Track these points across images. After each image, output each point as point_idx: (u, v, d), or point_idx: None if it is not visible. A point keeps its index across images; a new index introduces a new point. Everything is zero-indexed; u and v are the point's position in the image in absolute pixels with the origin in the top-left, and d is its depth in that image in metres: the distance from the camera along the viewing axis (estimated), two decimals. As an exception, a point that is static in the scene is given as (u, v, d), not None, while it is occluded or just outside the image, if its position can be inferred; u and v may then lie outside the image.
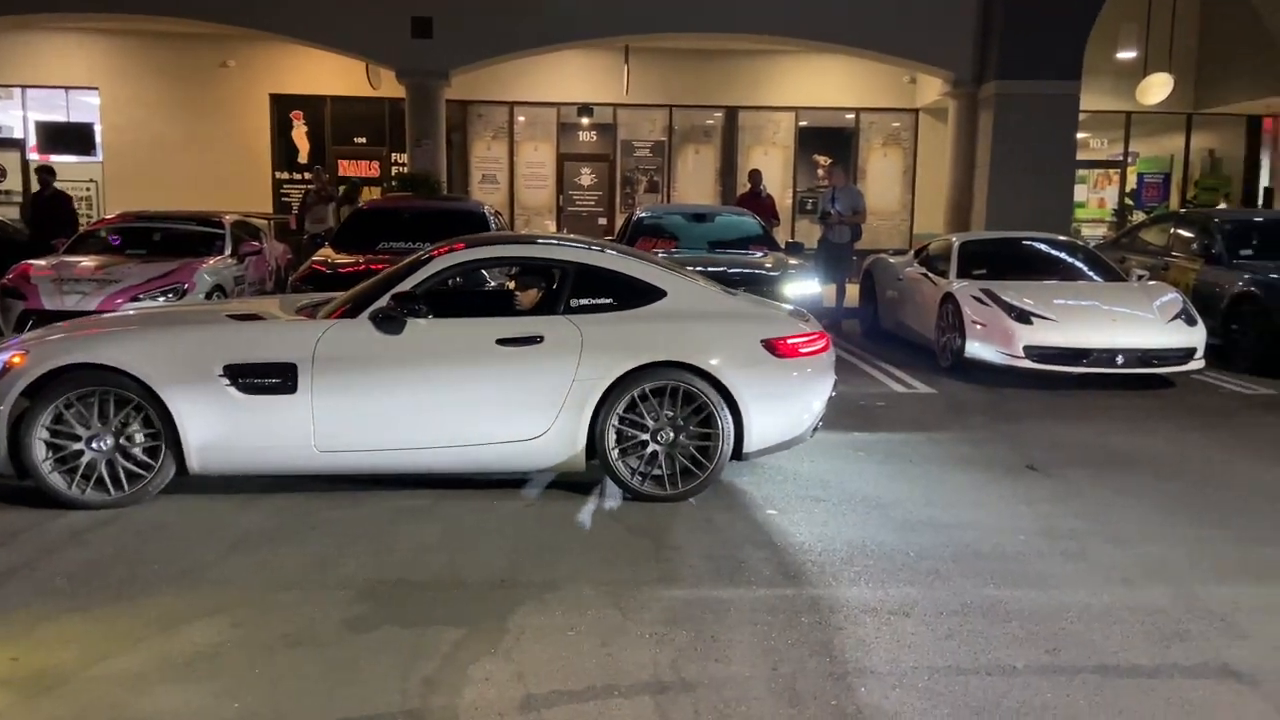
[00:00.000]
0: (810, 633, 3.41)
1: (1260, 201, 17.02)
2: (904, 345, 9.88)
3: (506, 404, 4.68)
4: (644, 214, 10.94)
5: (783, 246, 10.54)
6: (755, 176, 13.69)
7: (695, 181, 18.21)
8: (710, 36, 15.27)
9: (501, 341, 4.73)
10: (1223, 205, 16.76)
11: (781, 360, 4.85)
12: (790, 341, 4.87)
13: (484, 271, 6.84)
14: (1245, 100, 16.45)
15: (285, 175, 17.54)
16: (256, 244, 10.77)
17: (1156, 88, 15.56)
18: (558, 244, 5.51)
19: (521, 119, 18.06)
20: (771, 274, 8.93)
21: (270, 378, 4.55)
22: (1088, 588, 3.83)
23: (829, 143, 18.08)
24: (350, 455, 4.68)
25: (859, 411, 6.97)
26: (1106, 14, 14.17)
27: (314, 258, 8.73)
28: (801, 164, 18.17)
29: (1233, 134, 17.91)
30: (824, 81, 17.51)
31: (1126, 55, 15.93)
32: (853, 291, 11.96)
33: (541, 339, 4.73)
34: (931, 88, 15.92)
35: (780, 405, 4.88)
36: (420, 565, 3.99)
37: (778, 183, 17.66)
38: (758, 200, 12.88)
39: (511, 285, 7.24)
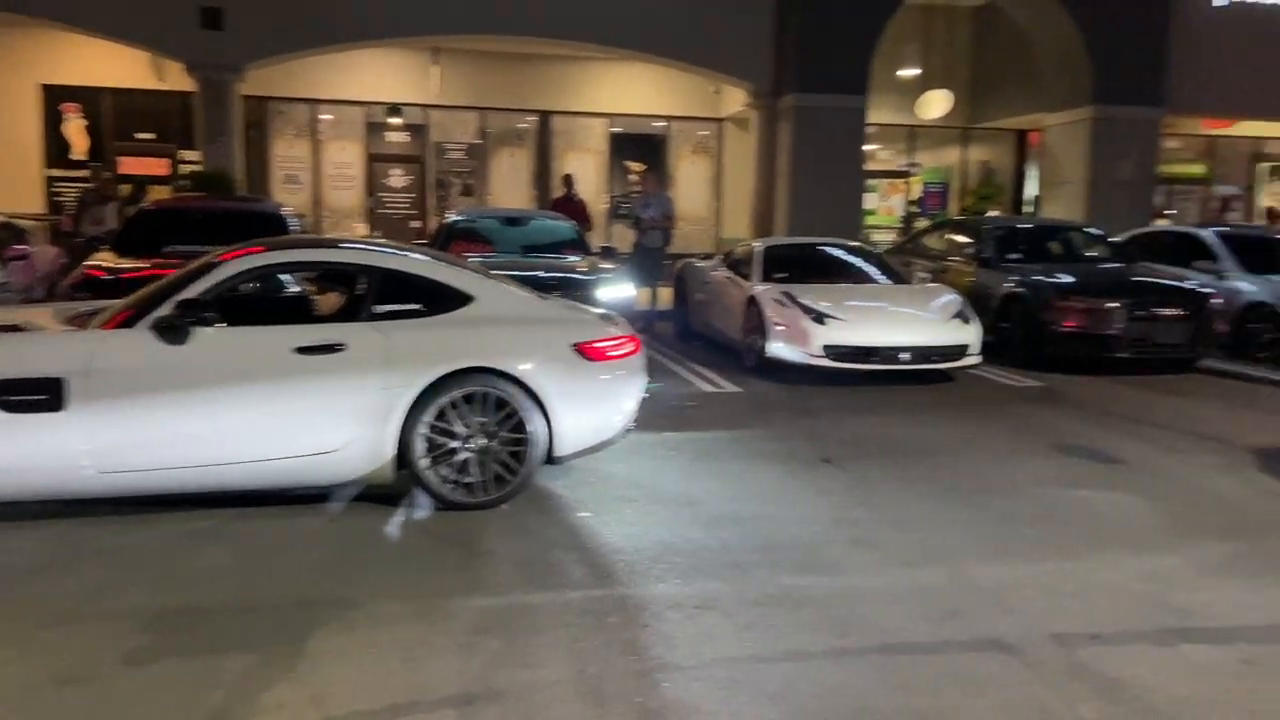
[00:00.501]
0: (618, 632, 3.47)
1: (1028, 209, 18.67)
2: (713, 346, 10.21)
3: (306, 415, 4.50)
4: (458, 218, 10.79)
5: (596, 251, 10.66)
6: (568, 181, 13.77)
7: (510, 185, 18.11)
8: (519, 40, 15.25)
9: (300, 350, 4.54)
10: (994, 213, 18.27)
11: (592, 364, 4.91)
12: (600, 345, 4.94)
13: (283, 277, 6.54)
14: (1014, 116, 18.01)
15: (59, 173, 16.11)
16: (23, 247, 9.85)
17: (936, 103, 16.80)
18: (362, 248, 5.35)
19: (327, 117, 17.38)
20: (585, 278, 9.01)
21: (32, 394, 4.18)
22: (874, 572, 4.09)
23: (641, 149, 18.41)
24: (134, 476, 4.37)
25: (670, 412, 7.15)
26: (890, 34, 15.16)
27: (89, 262, 8.07)
28: (615, 170, 18.42)
29: (1004, 147, 19.56)
30: (635, 89, 17.82)
31: (908, 73, 17.11)
32: (666, 294, 12.24)
33: (343, 347, 4.58)
34: (735, 99, 16.52)
35: (591, 408, 4.94)
36: (210, 590, 3.78)
37: (591, 188, 17.81)
38: (571, 204, 12.97)
39: (313, 291, 6.96)
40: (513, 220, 10.78)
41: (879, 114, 16.56)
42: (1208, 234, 11.30)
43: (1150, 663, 3.28)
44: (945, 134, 19.06)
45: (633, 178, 18.17)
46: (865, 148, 15.91)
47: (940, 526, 4.72)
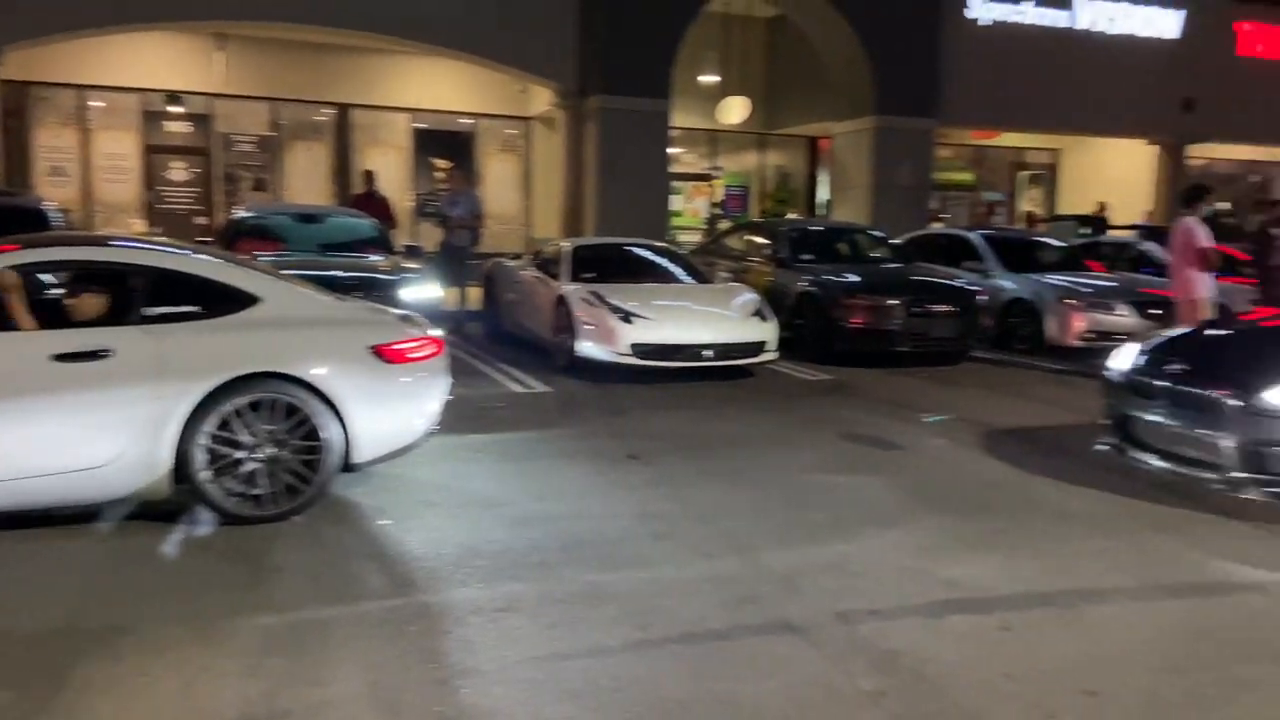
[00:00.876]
0: (417, 641, 3.39)
1: (820, 212, 19.72)
2: (524, 346, 10.16)
3: (68, 428, 4.13)
4: (245, 214, 10.22)
5: (400, 250, 10.38)
6: (370, 177, 13.32)
7: (308, 181, 17.32)
8: (314, 30, 14.61)
9: (60, 357, 4.16)
10: (793, 215, 19.19)
11: (390, 366, 4.76)
12: (399, 347, 4.80)
13: (43, 278, 5.96)
14: (806, 124, 18.98)
15: None
16: None
17: (735, 109, 17.44)
18: (134, 246, 4.97)
19: (98, 105, 16.03)
20: (388, 278, 8.76)
21: None
22: (675, 564, 4.20)
23: (447, 146, 18.08)
24: None
25: (478, 413, 7.05)
26: (690, 40, 15.60)
27: None
28: (420, 167, 18.00)
29: (798, 153, 20.58)
30: (440, 85, 17.48)
31: (709, 79, 17.68)
32: (476, 295, 12.07)
33: (109, 353, 4.23)
34: (542, 98, 16.52)
35: (391, 412, 4.79)
36: (-44, 625, 3.40)
37: (395, 185, 17.31)
38: (373, 202, 12.56)
39: (78, 293, 6.39)
40: (308, 217, 10.32)
41: (682, 118, 17.01)
42: (975, 236, 12.31)
43: (922, 634, 3.53)
44: (745, 139, 19.82)
45: (439, 175, 17.82)
46: (670, 150, 16.31)
47: (739, 516, 4.90)
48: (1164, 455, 5.29)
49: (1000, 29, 17.67)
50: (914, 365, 9.77)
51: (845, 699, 3.07)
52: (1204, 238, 8.87)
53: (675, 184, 19.01)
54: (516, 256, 11.75)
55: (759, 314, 9.09)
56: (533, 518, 4.76)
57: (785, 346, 9.45)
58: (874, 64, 16.15)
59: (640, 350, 8.45)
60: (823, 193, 19.95)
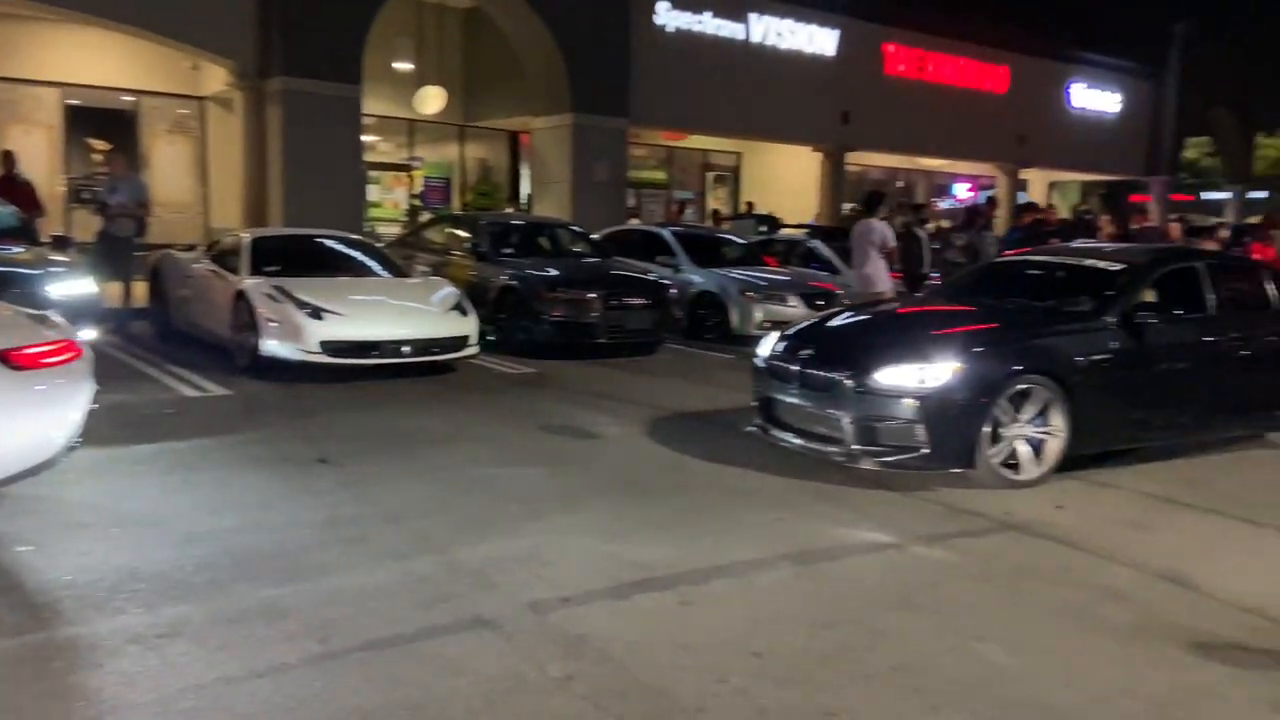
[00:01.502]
0: (63, 679, 3.01)
1: (524, 207, 19.84)
2: (200, 346, 9.35)
3: None
4: None
5: (47, 240, 9.23)
6: (9, 159, 11.67)
7: (-74, 159, 14.82)
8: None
9: None
10: (510, 210, 19.08)
11: (19, 373, 4.16)
12: (29, 351, 4.21)
13: None
14: (506, 117, 19.00)
15: None
16: None
17: (432, 99, 17.11)
18: None
19: None
20: (30, 272, 7.78)
21: None
22: (364, 569, 4.05)
23: (105, 126, 16.20)
24: None
25: (142, 422, 6.39)
26: (384, 24, 15.09)
27: None
28: (73, 148, 16.00)
29: (498, 146, 20.57)
30: (95, 57, 15.58)
31: (404, 66, 17.21)
32: (143, 290, 10.94)
33: None
34: (217, 77, 15.24)
35: (20, 425, 4.19)
36: None
37: (43, 168, 15.28)
38: (13, 186, 11.03)
39: None
40: (-75, 203, 8.86)
41: (377, 105, 16.43)
42: (666, 233, 12.97)
43: (609, 616, 3.66)
44: (444, 130, 19.50)
45: (97, 158, 15.95)
46: (365, 139, 15.69)
47: (434, 514, 4.81)
48: (800, 433, 5.89)
49: (685, 36, 18.69)
50: (612, 356, 10.11)
51: (534, 687, 3.10)
52: (891, 237, 10.15)
53: (372, 174, 18.34)
54: (190, 248, 10.78)
55: (459, 308, 8.98)
56: (203, 533, 4.39)
57: (487, 341, 9.41)
58: (569, 62, 16.48)
59: (331, 348, 8.07)
60: (526, 187, 20.09)
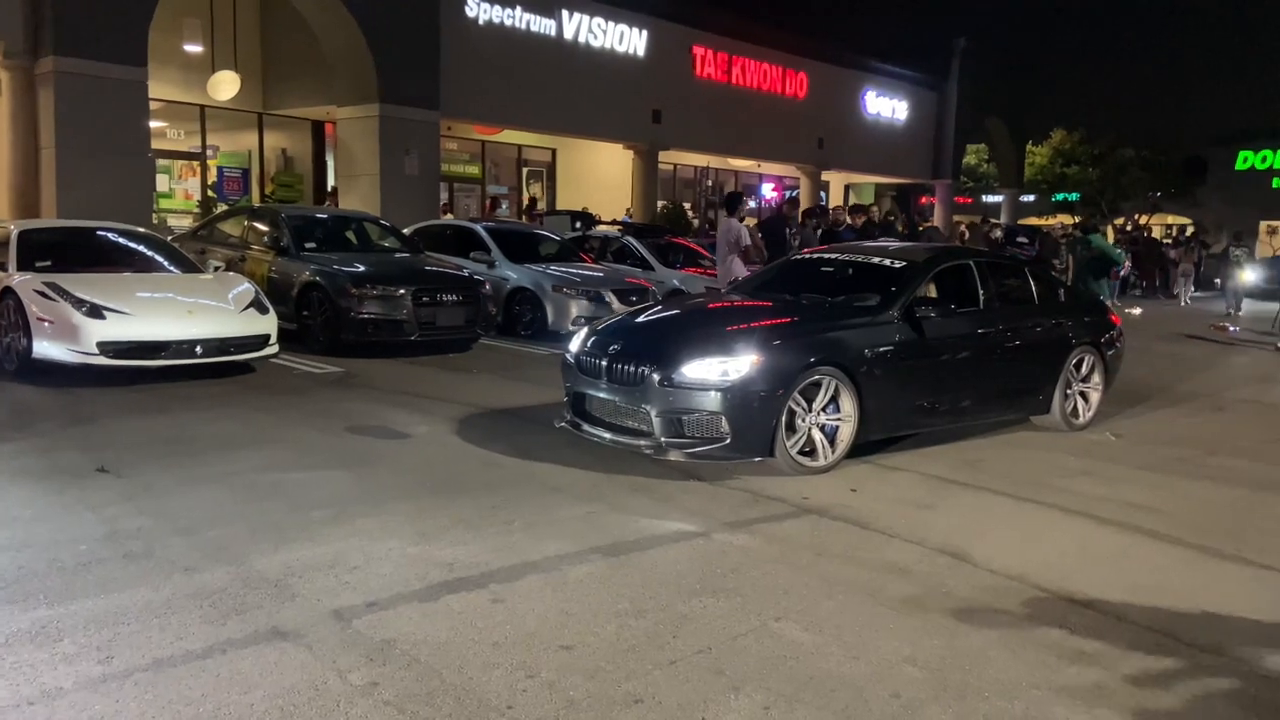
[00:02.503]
0: None
1: (328, 200, 19.09)
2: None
3: None
4: None
5: None
6: None
7: None
8: None
9: None
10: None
11: None
12: None
13: None
14: (308, 106, 18.22)
15: None
16: None
17: (225, 84, 16.18)
18: None
19: None
20: None
21: None
22: (150, 584, 3.79)
23: None
24: None
25: (-115, 435, 5.72)
26: (170, 5, 14.13)
27: None
28: None
29: (301, 135, 19.70)
30: None
31: (193, 49, 16.18)
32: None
33: None
34: (-22, 52, 13.83)
35: None
36: None
37: None
38: None
39: None
40: None
41: (165, 90, 15.40)
42: (480, 228, 12.82)
43: (418, 618, 3.60)
44: (241, 118, 18.50)
45: None
46: (153, 125, 14.65)
47: (230, 523, 4.56)
48: (610, 427, 6.01)
49: (497, 30, 18.54)
50: (425, 354, 9.90)
51: (335, 696, 3.01)
52: (746, 236, 10.54)
53: (161, 162, 17.16)
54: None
55: (257, 305, 8.56)
56: (-37, 554, 3.99)
57: (290, 339, 8.99)
58: (375, 51, 16.01)
59: (114, 349, 7.51)
60: (332, 179, 19.33)
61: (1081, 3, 59.92)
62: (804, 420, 5.83)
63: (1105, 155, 37.94)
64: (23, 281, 7.82)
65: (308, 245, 10.67)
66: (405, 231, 12.39)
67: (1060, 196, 39.53)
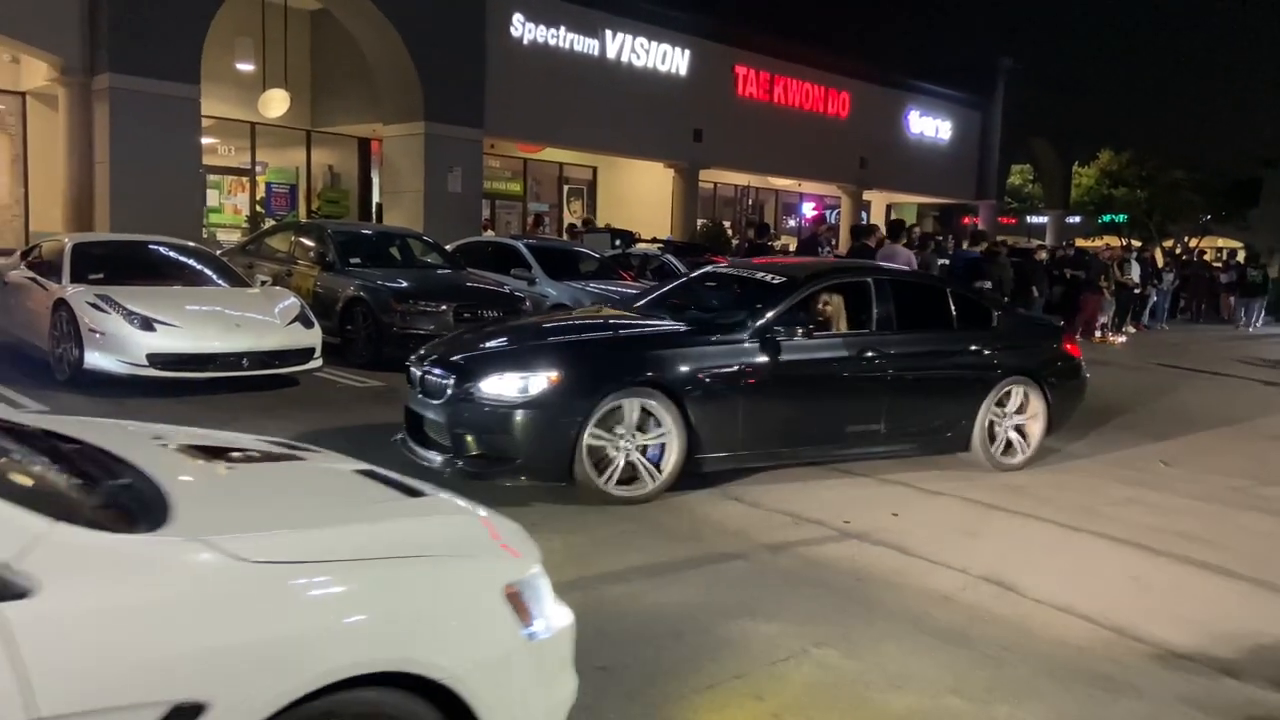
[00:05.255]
0: None
1: (374, 216, 19.37)
2: (16, 358, 8.68)
3: None
4: None
5: None
6: None
7: None
8: None
9: None
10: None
11: None
12: None
13: None
14: (355, 124, 18.50)
15: None
16: None
17: (276, 102, 16.48)
18: None
19: None
20: None
21: None
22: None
23: (-95, 117, 14.84)
24: None
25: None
26: (224, 24, 14.45)
27: None
28: None
29: (347, 152, 20.00)
30: (-108, 41, 14.27)
31: (246, 68, 16.52)
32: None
33: None
34: (39, 71, 14.22)
35: None
36: None
37: None
38: None
39: None
40: None
41: (217, 107, 15.72)
42: (521, 245, 12.90)
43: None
44: (290, 135, 18.82)
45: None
46: (204, 141, 14.96)
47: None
48: (429, 443, 5.55)
49: (541, 50, 18.72)
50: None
51: None
52: (912, 261, 11.24)
53: (212, 178, 17.52)
54: (6, 253, 10.01)
55: (302, 319, 8.67)
56: None
57: (333, 352, 9.10)
58: (422, 69, 16.22)
59: (162, 360, 7.65)
60: (377, 196, 19.60)
61: (1131, 22, 59.30)
62: (617, 446, 5.34)
63: (1154, 176, 37.40)
64: (75, 293, 7.99)
65: (352, 260, 10.81)
66: (448, 248, 12.51)
67: (1107, 218, 39.01)
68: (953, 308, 6.88)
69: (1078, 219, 39.53)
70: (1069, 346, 7.44)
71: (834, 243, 12.88)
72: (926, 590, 4.38)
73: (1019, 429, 6.85)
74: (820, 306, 6.35)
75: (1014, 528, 5.54)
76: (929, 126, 28.99)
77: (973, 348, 6.81)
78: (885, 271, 7.19)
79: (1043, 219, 36.78)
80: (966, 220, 31.92)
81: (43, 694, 1.54)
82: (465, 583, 2.23)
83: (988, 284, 12.13)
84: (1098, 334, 17.18)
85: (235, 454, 2.73)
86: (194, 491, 2.23)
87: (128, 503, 1.97)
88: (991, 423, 6.70)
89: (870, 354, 6.25)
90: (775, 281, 6.36)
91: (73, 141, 13.52)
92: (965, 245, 15.14)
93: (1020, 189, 39.35)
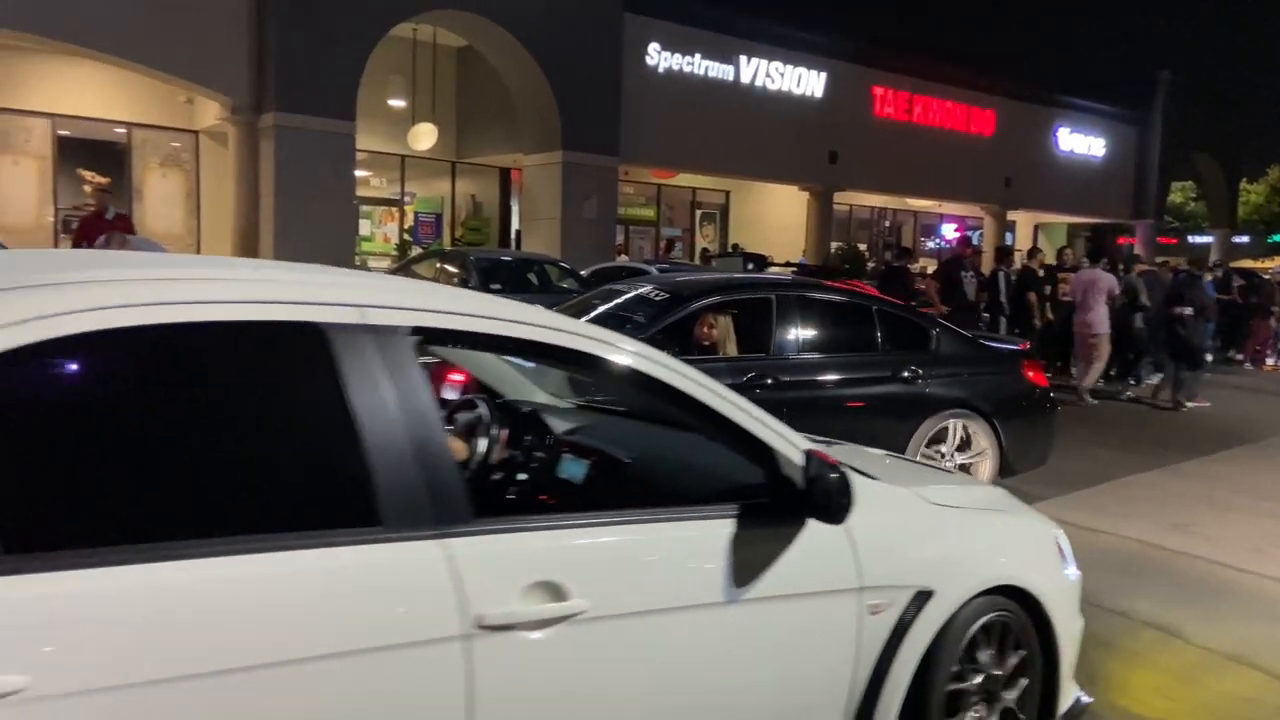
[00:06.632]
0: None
1: (513, 243, 19.97)
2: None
3: None
4: None
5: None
6: (103, 196, 10.55)
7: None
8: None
9: None
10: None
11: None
12: None
13: None
14: (496, 154, 19.17)
15: None
16: None
17: (424, 136, 17.26)
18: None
19: None
20: None
21: None
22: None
23: (98, 157, 16.24)
24: None
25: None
26: (378, 63, 15.25)
27: None
28: (64, 179, 16.03)
29: (489, 182, 20.72)
30: (88, 89, 15.69)
31: (397, 103, 17.38)
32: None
33: None
34: (211, 110, 15.36)
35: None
36: None
37: (33, 198, 15.40)
38: (108, 224, 10.03)
39: None
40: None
41: (370, 141, 16.56)
42: (654, 270, 13.02)
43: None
44: (436, 166, 19.65)
45: (87, 188, 15.99)
46: (358, 174, 15.79)
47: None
48: None
49: (676, 77, 18.94)
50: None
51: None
52: (1115, 287, 11.16)
53: (364, 208, 18.45)
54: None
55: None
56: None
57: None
58: (561, 101, 16.66)
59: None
60: (516, 223, 20.22)
61: (1304, 27, 55.31)
62: None
63: (1333, 191, 34.64)
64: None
65: (493, 286, 11.15)
66: (583, 273, 12.75)
67: (1277, 237, 36.35)
68: (878, 329, 5.96)
69: (1245, 238, 36.99)
70: (1030, 374, 6.42)
71: (978, 266, 12.28)
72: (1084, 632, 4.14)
73: (963, 468, 5.89)
74: (705, 330, 5.48)
75: (1180, 568, 5.17)
76: (1080, 143, 27.74)
77: (902, 374, 5.79)
78: (795, 288, 6.29)
79: (1207, 238, 34.55)
80: (1122, 240, 30.30)
81: (866, 571, 2.44)
82: (1036, 530, 3.08)
83: (1189, 310, 11.12)
84: (1269, 362, 15.97)
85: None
86: (867, 465, 2.91)
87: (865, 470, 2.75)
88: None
89: (762, 381, 5.26)
90: (657, 299, 5.61)
91: (241, 176, 14.51)
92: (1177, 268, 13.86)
93: (1182, 207, 37.15)
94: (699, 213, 24.13)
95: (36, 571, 1.50)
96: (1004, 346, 6.98)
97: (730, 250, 19.55)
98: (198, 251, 16.89)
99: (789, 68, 20.62)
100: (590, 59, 16.94)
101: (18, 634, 1.45)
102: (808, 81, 21.00)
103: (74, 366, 1.69)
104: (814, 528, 2.31)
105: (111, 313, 1.65)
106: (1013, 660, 2.81)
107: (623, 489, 2.69)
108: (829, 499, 2.24)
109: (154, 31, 13.18)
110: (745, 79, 20.00)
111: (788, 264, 17.93)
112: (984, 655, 2.72)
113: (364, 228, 18.83)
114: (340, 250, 13.95)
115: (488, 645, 1.83)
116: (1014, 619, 2.79)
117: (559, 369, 3.22)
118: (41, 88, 15.38)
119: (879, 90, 22.53)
